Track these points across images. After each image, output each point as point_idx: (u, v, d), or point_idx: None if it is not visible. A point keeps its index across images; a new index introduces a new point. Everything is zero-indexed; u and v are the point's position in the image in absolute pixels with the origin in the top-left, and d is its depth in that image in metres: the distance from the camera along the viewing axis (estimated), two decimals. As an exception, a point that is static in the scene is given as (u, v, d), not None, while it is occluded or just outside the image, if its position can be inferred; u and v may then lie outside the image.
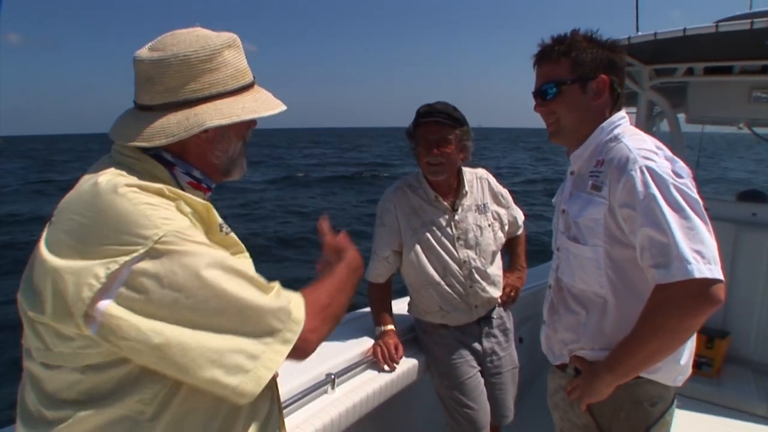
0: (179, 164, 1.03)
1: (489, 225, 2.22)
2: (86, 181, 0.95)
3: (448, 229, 2.15)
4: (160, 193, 0.92)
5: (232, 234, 1.04)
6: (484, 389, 2.22)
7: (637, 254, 1.30)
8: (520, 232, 2.43)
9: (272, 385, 1.14)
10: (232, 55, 1.03)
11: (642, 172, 1.28)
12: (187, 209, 0.94)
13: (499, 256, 2.28)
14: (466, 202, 2.19)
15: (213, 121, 0.98)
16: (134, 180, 0.93)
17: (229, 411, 0.98)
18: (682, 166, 1.32)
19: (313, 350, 0.99)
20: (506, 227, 2.30)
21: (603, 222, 1.37)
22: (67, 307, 0.83)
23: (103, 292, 0.82)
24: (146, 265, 0.83)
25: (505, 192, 2.34)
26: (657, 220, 1.23)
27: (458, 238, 2.15)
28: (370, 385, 1.92)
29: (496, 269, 2.24)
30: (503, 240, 2.29)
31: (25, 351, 0.95)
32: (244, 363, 0.86)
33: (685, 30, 2.45)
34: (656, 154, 1.32)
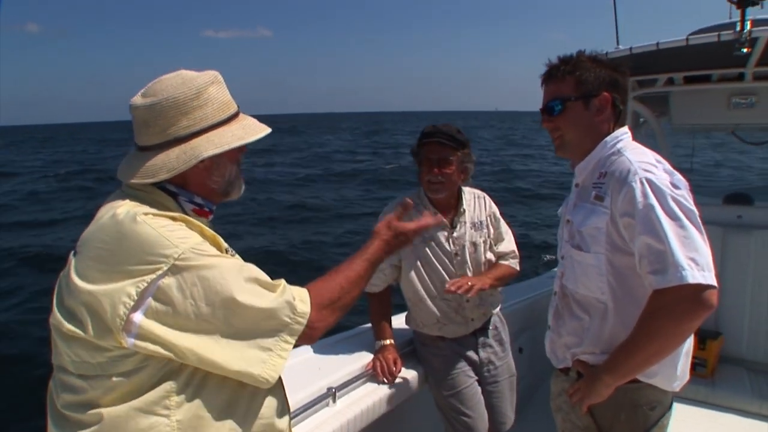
0: (182, 193, 1.16)
1: (483, 242, 2.29)
2: (105, 214, 1.07)
3: (446, 245, 2.22)
4: (173, 219, 1.05)
5: (237, 256, 1.16)
6: (482, 398, 2.27)
7: (636, 261, 1.37)
8: (514, 266, 2.36)
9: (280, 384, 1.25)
10: (216, 90, 1.15)
11: (642, 183, 1.36)
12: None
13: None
14: (464, 219, 2.27)
15: (208, 151, 1.11)
16: (149, 209, 1.05)
17: (246, 405, 1.11)
18: (679, 178, 1.40)
19: (318, 337, 1.15)
20: (495, 248, 2.34)
21: (605, 230, 1.44)
22: (106, 324, 0.96)
23: (136, 308, 0.96)
24: (170, 280, 0.98)
25: (497, 213, 2.37)
26: (654, 228, 1.31)
27: (456, 254, 2.22)
28: (370, 397, 1.98)
29: None
30: (492, 260, 2.32)
31: (57, 368, 1.07)
32: (261, 355, 1.04)
33: (658, 44, 2.56)
34: (655, 167, 1.40)
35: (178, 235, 1.01)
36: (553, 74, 1.59)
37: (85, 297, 0.98)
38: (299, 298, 1.10)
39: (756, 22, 2.37)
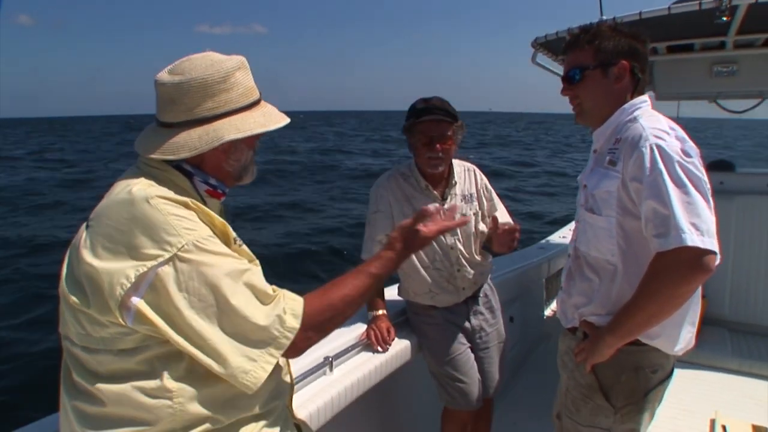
0: (197, 174, 1.18)
1: (474, 214, 2.33)
2: (120, 189, 1.09)
3: (437, 217, 2.24)
4: (185, 205, 1.06)
5: (245, 246, 1.17)
6: (475, 364, 2.34)
7: (642, 225, 1.42)
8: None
9: (285, 363, 1.30)
10: (242, 76, 1.17)
11: (651, 149, 1.39)
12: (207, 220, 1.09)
13: (480, 245, 2.36)
14: (455, 192, 2.30)
15: (230, 135, 1.12)
16: (164, 191, 1.07)
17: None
18: (691, 146, 1.42)
19: (304, 350, 1.15)
20: (488, 219, 2.38)
21: (616, 194, 1.48)
22: (105, 301, 0.99)
23: (134, 291, 0.98)
24: (168, 269, 0.99)
25: (489, 186, 2.43)
26: (660, 193, 1.35)
27: None
28: (366, 366, 2.04)
29: (480, 255, 2.36)
30: (485, 232, 2.36)
31: (63, 337, 1.10)
32: (246, 365, 1.03)
33: (641, 14, 2.59)
34: (667, 134, 1.43)
35: (185, 225, 1.02)
36: (574, 43, 1.62)
37: (88, 270, 1.00)
38: (291, 312, 1.09)
39: None
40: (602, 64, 1.56)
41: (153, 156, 1.12)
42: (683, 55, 3.32)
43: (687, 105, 4.08)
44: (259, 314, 1.04)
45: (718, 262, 1.33)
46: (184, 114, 1.12)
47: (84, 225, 1.08)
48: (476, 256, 2.33)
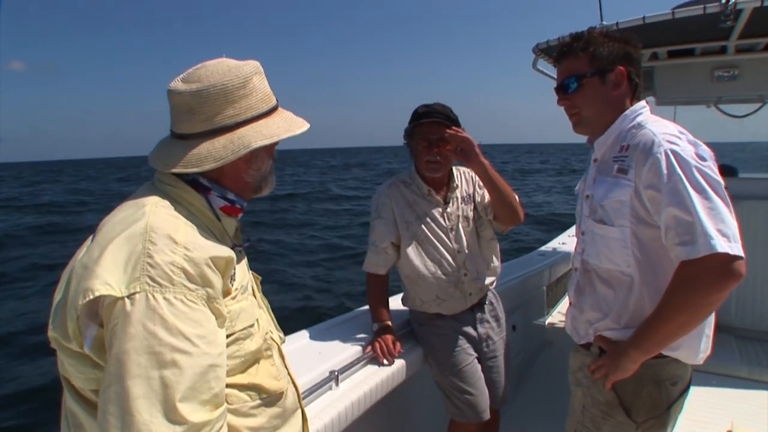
0: (215, 188, 1.10)
1: (473, 210, 2.32)
2: (128, 207, 1.02)
3: (442, 221, 2.25)
4: (185, 249, 0.95)
5: (235, 281, 1.08)
6: (482, 375, 2.30)
7: (662, 233, 1.37)
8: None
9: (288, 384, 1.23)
10: (259, 81, 1.11)
11: (667, 155, 1.34)
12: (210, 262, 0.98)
13: (489, 243, 2.35)
14: (456, 194, 2.30)
15: (257, 142, 1.06)
16: (172, 226, 0.97)
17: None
18: (704, 149, 1.38)
19: None
20: (490, 209, 2.34)
21: (629, 203, 1.43)
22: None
23: (85, 319, 0.90)
24: (109, 311, 0.88)
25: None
26: (682, 200, 1.30)
27: (451, 229, 2.25)
28: (372, 379, 2.00)
29: (488, 254, 2.33)
30: (489, 227, 2.36)
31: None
32: None
33: (644, 18, 2.57)
34: (679, 138, 1.39)
35: (157, 274, 0.89)
36: (567, 51, 1.58)
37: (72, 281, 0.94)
38: None
39: None
40: (599, 71, 1.52)
41: (174, 170, 1.05)
42: (684, 59, 3.31)
43: (682, 111, 4.08)
44: (142, 425, 0.83)
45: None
46: (203, 123, 1.05)
47: (89, 238, 1.02)
48: (483, 258, 2.31)
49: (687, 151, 1.35)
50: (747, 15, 2.45)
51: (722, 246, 1.25)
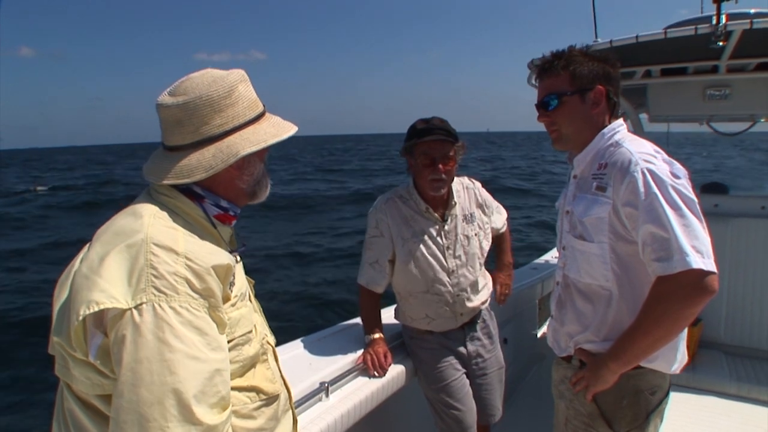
0: (208, 196, 1.13)
1: (475, 234, 2.28)
2: (126, 217, 1.04)
3: (438, 239, 2.21)
4: (186, 259, 0.97)
5: (235, 287, 1.11)
6: (470, 390, 2.29)
7: (639, 249, 1.41)
8: (503, 230, 2.52)
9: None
10: (245, 89, 1.14)
11: (644, 173, 1.39)
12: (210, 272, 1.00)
13: (483, 265, 2.35)
14: (455, 212, 2.26)
15: (246, 149, 1.09)
16: (171, 237, 0.99)
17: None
18: (679, 167, 1.44)
19: None
20: (490, 235, 2.38)
21: (608, 220, 1.48)
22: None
23: (92, 327, 0.92)
24: (115, 322, 0.91)
25: (488, 199, 2.41)
26: (658, 217, 1.35)
27: (447, 248, 2.22)
28: (362, 391, 2.00)
29: (481, 278, 2.32)
30: (488, 248, 2.36)
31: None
32: None
33: (637, 37, 2.61)
34: (655, 157, 1.44)
35: (162, 285, 0.92)
36: (548, 69, 1.61)
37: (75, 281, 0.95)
38: None
39: (731, 16, 2.43)
40: (579, 89, 1.56)
41: (166, 182, 1.07)
42: (677, 78, 3.36)
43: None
44: (159, 429, 0.87)
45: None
46: (192, 134, 1.08)
47: (86, 246, 1.03)
48: (478, 279, 2.29)
49: (662, 169, 1.40)
50: (737, 36, 2.50)
51: (696, 262, 1.30)
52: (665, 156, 1.47)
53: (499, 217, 2.47)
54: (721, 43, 2.45)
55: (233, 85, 1.11)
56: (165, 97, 1.10)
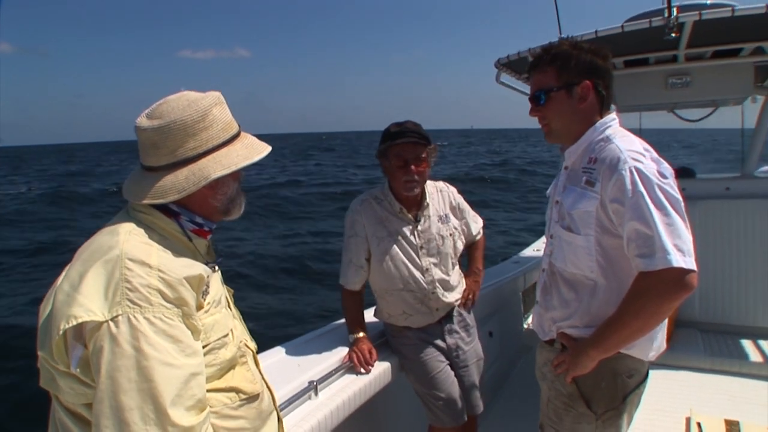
0: (184, 213, 1.18)
1: (450, 234, 2.36)
2: (104, 235, 1.10)
3: (412, 239, 2.28)
4: (159, 272, 1.03)
5: (209, 296, 1.17)
6: (455, 380, 2.35)
7: (624, 244, 1.46)
8: (478, 237, 2.58)
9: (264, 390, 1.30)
10: (219, 111, 1.18)
11: (631, 172, 1.43)
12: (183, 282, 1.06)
13: (457, 263, 2.43)
14: (429, 213, 2.33)
15: (216, 172, 1.14)
16: (145, 252, 1.05)
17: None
18: (666, 167, 1.48)
19: None
20: (464, 237, 2.47)
21: (595, 214, 1.52)
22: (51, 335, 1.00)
23: (72, 340, 0.98)
24: (93, 334, 0.97)
25: (462, 203, 2.49)
26: (643, 215, 1.40)
27: (421, 247, 2.29)
28: (350, 388, 2.05)
29: (455, 275, 2.39)
30: (461, 248, 2.44)
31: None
32: None
33: (596, 32, 2.72)
34: (644, 155, 1.47)
35: (136, 297, 0.98)
36: (537, 65, 1.66)
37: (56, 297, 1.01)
38: None
39: (682, 8, 2.54)
40: (566, 84, 1.59)
41: (143, 201, 1.13)
42: (639, 68, 3.47)
43: (646, 116, 4.25)
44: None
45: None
46: (167, 157, 1.13)
47: (69, 265, 1.09)
48: (451, 278, 2.36)
49: (650, 168, 1.45)
50: (689, 27, 2.61)
51: (677, 261, 1.36)
52: (654, 154, 1.50)
53: (474, 225, 2.54)
54: (674, 35, 2.55)
55: (207, 109, 1.15)
56: (143, 120, 1.14)
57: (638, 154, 1.47)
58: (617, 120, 1.64)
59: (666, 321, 1.61)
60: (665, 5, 2.47)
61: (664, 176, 1.45)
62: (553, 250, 1.70)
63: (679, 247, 1.37)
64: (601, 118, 1.63)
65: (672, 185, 1.45)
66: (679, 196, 1.44)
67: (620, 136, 1.56)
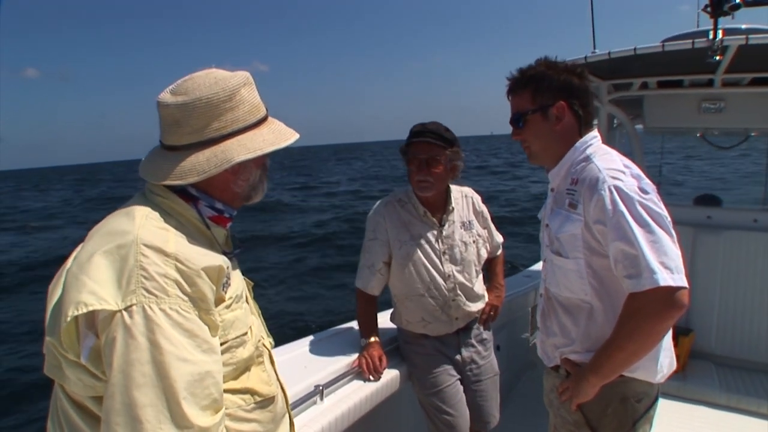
0: (203, 198, 1.12)
1: (473, 241, 2.31)
2: (118, 217, 1.03)
3: (436, 244, 2.24)
4: (177, 261, 0.96)
5: (230, 289, 1.10)
6: (464, 397, 2.30)
7: (612, 265, 1.43)
8: (498, 253, 2.55)
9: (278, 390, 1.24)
10: (248, 92, 1.12)
11: (611, 191, 1.40)
12: (202, 274, 0.99)
13: (481, 273, 2.38)
14: (453, 218, 2.29)
15: (240, 156, 1.07)
16: (162, 238, 0.98)
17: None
18: (647, 182, 1.45)
19: None
20: (488, 245, 2.42)
21: (581, 236, 1.49)
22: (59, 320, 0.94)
23: (84, 329, 0.92)
24: (106, 324, 0.90)
25: (486, 212, 2.44)
26: (626, 234, 1.37)
27: (444, 253, 2.24)
28: (357, 394, 2.00)
29: (478, 284, 2.34)
30: (485, 257, 2.40)
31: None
32: None
33: (635, 49, 2.65)
34: (623, 173, 1.44)
35: (152, 286, 0.92)
36: (513, 88, 1.64)
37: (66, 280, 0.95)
38: None
39: (727, 31, 2.47)
40: (541, 107, 1.58)
41: (159, 182, 1.07)
42: (673, 90, 3.40)
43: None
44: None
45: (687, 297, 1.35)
46: (190, 136, 1.07)
47: (80, 246, 1.02)
48: (474, 286, 2.31)
49: (630, 185, 1.41)
50: (733, 51, 2.54)
51: (665, 279, 1.31)
52: (635, 170, 1.47)
53: (497, 239, 2.50)
54: (717, 58, 2.49)
55: (236, 88, 1.09)
56: (166, 96, 1.08)
57: (617, 171, 1.45)
58: (599, 138, 1.61)
59: (670, 341, 1.58)
60: (711, 27, 2.40)
61: (645, 192, 1.41)
62: (547, 275, 1.67)
63: (666, 264, 1.33)
64: (581, 137, 1.60)
65: (655, 201, 1.41)
66: (663, 211, 1.40)
67: (600, 155, 1.54)
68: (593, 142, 1.59)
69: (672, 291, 1.32)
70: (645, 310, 1.35)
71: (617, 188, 1.40)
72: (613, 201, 1.39)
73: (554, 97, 1.57)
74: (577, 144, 1.59)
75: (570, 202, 1.52)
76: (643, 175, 1.47)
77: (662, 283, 1.31)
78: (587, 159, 1.54)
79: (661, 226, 1.37)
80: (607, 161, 1.50)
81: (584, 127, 1.62)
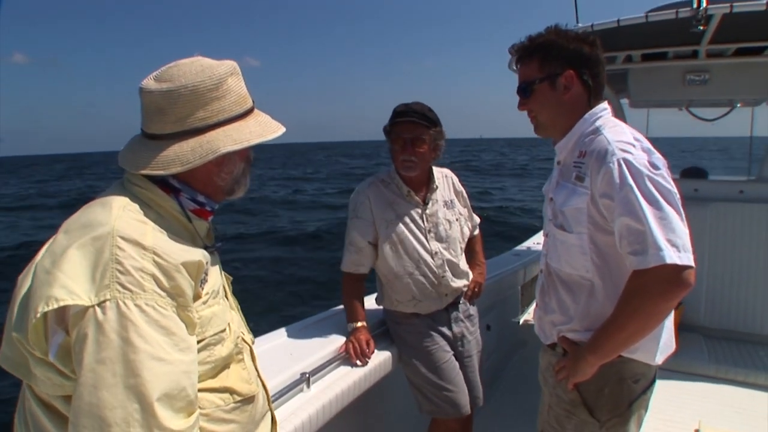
0: (185, 190, 1.07)
1: (456, 219, 2.34)
2: (94, 207, 0.98)
3: (420, 222, 2.25)
4: (155, 254, 0.92)
5: (207, 285, 1.06)
6: (461, 372, 2.30)
7: (616, 241, 1.38)
8: (476, 232, 2.58)
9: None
10: (235, 82, 1.07)
11: (619, 164, 1.35)
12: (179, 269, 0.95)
13: (464, 251, 2.40)
14: (436, 197, 2.29)
15: (226, 147, 1.03)
16: (139, 231, 0.93)
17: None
18: (658, 157, 1.39)
19: None
20: (469, 224, 2.45)
21: (586, 211, 1.44)
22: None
23: (53, 324, 0.87)
24: (77, 320, 0.85)
25: (465, 193, 2.47)
26: (633, 209, 1.31)
27: (429, 231, 2.25)
28: (344, 380, 1.97)
29: (462, 261, 2.36)
30: (468, 234, 2.43)
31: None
32: None
33: (618, 21, 2.60)
34: (633, 146, 1.39)
35: (127, 281, 0.87)
36: (521, 56, 1.58)
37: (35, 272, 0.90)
38: None
39: (712, 1, 2.43)
40: (549, 76, 1.52)
41: (140, 171, 1.01)
42: (657, 63, 3.36)
43: (654, 117, 4.15)
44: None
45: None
46: (173, 125, 1.02)
47: (53, 237, 0.96)
48: (459, 262, 2.32)
49: (640, 159, 1.36)
50: (717, 20, 2.50)
51: (671, 257, 1.27)
52: (645, 144, 1.42)
53: (475, 219, 2.54)
54: (701, 27, 2.45)
55: (223, 77, 1.05)
56: (149, 82, 1.03)
57: (627, 144, 1.39)
58: (609, 110, 1.55)
59: (672, 320, 1.53)
60: None
61: (655, 167, 1.36)
62: (549, 249, 1.63)
63: (673, 242, 1.28)
64: (591, 108, 1.54)
65: (665, 176, 1.36)
66: (673, 188, 1.35)
67: (610, 127, 1.48)
68: (603, 114, 1.53)
69: (678, 270, 1.27)
70: (649, 288, 1.30)
71: (626, 161, 1.35)
72: (622, 175, 1.34)
73: (563, 65, 1.50)
74: (587, 116, 1.52)
75: (577, 174, 1.46)
76: (653, 149, 1.41)
77: (668, 261, 1.26)
78: (596, 131, 1.48)
79: (669, 203, 1.32)
80: (616, 133, 1.44)
81: (594, 98, 1.55)
